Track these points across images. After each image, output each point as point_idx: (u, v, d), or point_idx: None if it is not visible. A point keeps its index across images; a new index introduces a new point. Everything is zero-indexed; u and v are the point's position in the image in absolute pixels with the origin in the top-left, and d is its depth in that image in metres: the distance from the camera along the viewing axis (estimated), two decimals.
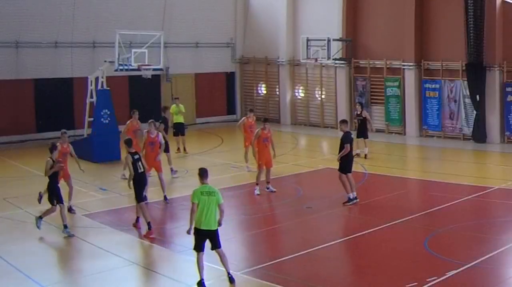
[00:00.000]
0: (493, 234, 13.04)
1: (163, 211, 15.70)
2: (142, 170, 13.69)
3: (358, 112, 21.79)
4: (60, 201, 13.33)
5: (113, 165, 20.37)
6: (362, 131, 21.64)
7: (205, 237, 10.41)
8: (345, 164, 15.48)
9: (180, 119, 23.02)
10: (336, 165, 15.88)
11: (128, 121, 19.26)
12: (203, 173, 10.66)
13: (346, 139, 15.35)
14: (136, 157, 13.71)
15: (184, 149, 23.01)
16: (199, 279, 10.29)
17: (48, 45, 26.07)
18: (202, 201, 10.32)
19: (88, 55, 26.85)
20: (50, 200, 13.35)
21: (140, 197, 13.52)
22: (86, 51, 26.97)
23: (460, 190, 16.97)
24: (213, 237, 10.47)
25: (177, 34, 29.34)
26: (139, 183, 13.53)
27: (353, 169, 15.92)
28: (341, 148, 15.40)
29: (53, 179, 13.38)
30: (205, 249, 10.39)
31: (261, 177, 16.88)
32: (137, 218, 13.76)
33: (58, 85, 26.32)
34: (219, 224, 10.51)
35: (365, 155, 21.45)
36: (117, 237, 13.41)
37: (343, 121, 16.08)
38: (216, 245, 10.52)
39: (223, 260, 10.56)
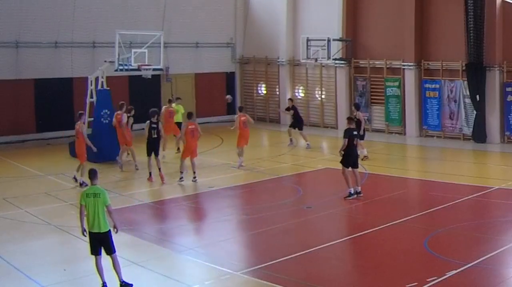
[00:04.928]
0: (493, 234, 13.04)
1: (163, 211, 15.70)
2: (156, 136, 18.05)
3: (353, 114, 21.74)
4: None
5: (113, 164, 20.34)
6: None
7: (97, 240, 10.17)
8: (345, 158, 15.96)
9: (178, 119, 23.01)
10: (337, 165, 16.00)
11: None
12: (91, 174, 10.45)
13: (345, 134, 16.03)
14: (154, 125, 18.01)
15: None
16: (101, 283, 10.15)
17: (48, 45, 26.06)
18: (88, 203, 10.12)
19: (88, 55, 26.83)
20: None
21: (149, 153, 18.12)
22: (86, 51, 26.96)
23: (460, 190, 16.95)
24: (105, 241, 10.17)
25: (177, 34, 29.33)
26: (151, 144, 18.12)
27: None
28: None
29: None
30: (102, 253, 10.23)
31: (243, 153, 19.87)
32: (149, 173, 18.05)
33: (58, 85, 26.28)
34: (115, 229, 10.32)
35: (364, 157, 20.82)
36: (117, 237, 13.34)
37: (348, 118, 17.02)
38: (108, 251, 10.20)
39: (115, 266, 10.26)
